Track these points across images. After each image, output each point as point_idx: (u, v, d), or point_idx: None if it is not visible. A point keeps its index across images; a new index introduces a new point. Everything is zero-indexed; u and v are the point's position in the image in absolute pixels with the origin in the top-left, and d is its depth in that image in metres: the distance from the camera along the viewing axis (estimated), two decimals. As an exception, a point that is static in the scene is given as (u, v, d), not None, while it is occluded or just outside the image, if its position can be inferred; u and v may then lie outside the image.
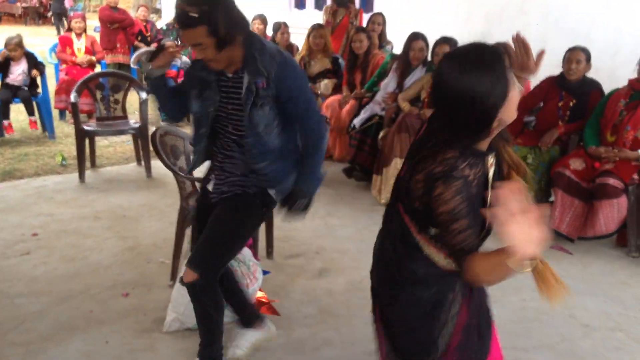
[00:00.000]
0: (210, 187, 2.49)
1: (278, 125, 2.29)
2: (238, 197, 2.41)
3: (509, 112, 1.59)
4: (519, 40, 1.85)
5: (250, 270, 3.03)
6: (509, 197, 1.31)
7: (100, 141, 6.26)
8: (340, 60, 6.34)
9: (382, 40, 6.68)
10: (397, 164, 4.69)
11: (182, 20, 2.05)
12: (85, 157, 5.31)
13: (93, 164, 5.66)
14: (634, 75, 4.16)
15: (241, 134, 2.32)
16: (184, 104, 2.44)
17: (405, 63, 5.28)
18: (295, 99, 2.27)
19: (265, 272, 3.27)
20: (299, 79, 2.30)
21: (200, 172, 2.65)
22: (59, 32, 17.42)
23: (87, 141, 5.40)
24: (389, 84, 5.39)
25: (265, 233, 3.78)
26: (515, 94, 1.57)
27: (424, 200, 1.62)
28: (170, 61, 2.38)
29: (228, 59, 2.19)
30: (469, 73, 1.51)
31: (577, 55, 4.41)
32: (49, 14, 21.38)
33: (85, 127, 5.33)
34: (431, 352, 1.81)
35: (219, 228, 2.39)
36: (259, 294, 3.14)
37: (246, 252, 3.09)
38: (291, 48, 7.00)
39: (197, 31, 2.05)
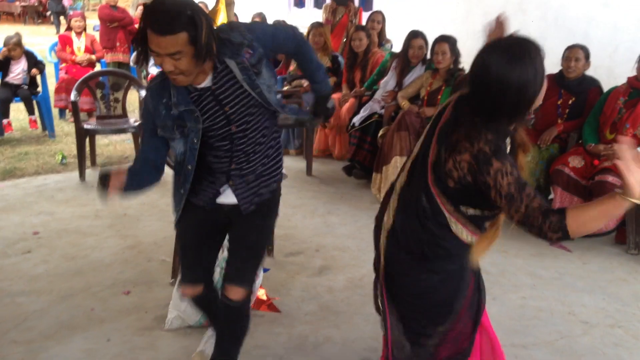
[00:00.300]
0: (226, 199, 2.23)
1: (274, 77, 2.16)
2: (266, 201, 2.29)
3: (540, 99, 1.80)
4: (499, 22, 2.16)
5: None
6: (626, 150, 1.60)
7: (100, 140, 6.27)
8: (340, 59, 6.35)
9: (382, 39, 6.69)
10: (396, 162, 4.70)
11: (162, 26, 1.81)
12: (85, 155, 5.32)
13: (93, 163, 5.67)
14: (633, 73, 4.17)
15: (251, 122, 2.11)
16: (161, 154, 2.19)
17: (404, 61, 5.29)
18: (277, 35, 2.17)
19: (264, 270, 3.29)
20: (263, 25, 2.24)
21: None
22: (57, 31, 17.43)
23: (87, 140, 5.41)
24: (388, 82, 5.40)
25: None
26: (545, 83, 1.78)
27: (464, 180, 1.77)
28: (124, 180, 2.10)
29: (198, 70, 1.95)
30: (518, 64, 1.69)
31: (575, 53, 4.42)
32: (48, 13, 21.36)
33: (86, 126, 5.34)
34: (449, 316, 2.00)
35: (257, 239, 2.32)
36: (260, 292, 3.15)
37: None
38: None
39: (178, 38, 1.81)
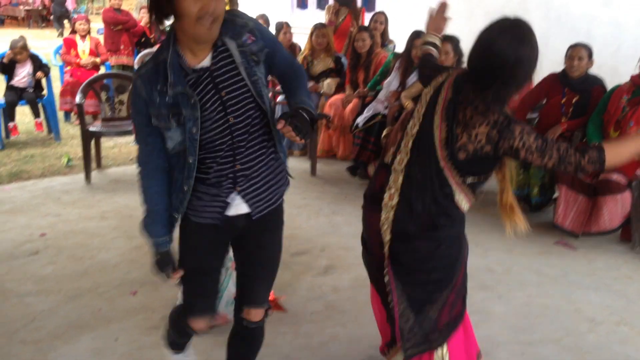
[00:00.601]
0: (236, 210, 1.98)
1: (266, 93, 1.96)
2: (275, 211, 2.08)
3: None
4: (442, 6, 2.41)
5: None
6: None
7: (105, 142, 6.29)
8: (343, 59, 6.36)
9: (385, 39, 6.70)
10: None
11: None
12: (91, 158, 5.34)
13: (99, 165, 5.70)
14: (637, 71, 4.18)
15: (249, 115, 1.91)
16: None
17: (407, 61, 5.31)
18: (279, 45, 2.01)
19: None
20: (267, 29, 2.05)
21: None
22: (59, 35, 17.49)
23: (92, 142, 5.44)
24: (391, 82, 5.42)
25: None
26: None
27: (481, 151, 1.98)
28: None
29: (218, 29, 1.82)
30: (524, 43, 1.93)
31: (579, 52, 4.43)
32: (52, 16, 21.44)
33: (91, 128, 5.37)
34: (452, 280, 2.21)
35: (275, 254, 2.16)
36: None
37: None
38: (294, 48, 7.02)
39: None
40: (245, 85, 1.86)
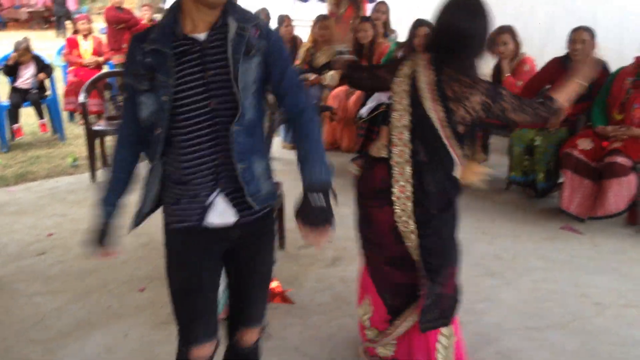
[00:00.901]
0: (218, 218, 1.76)
1: (256, 91, 1.74)
2: (265, 220, 1.87)
3: None
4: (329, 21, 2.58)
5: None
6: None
7: (110, 141, 6.31)
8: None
9: (387, 29, 6.68)
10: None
11: None
12: (96, 157, 5.36)
13: (104, 164, 5.71)
14: (640, 53, 4.15)
15: (233, 105, 1.70)
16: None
17: (410, 50, 5.29)
18: (287, 61, 1.81)
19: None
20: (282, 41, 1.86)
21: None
22: (59, 35, 17.56)
23: (97, 141, 5.45)
24: (394, 72, 5.40)
25: (277, 224, 3.81)
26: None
27: (477, 119, 2.20)
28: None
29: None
30: (479, 15, 2.18)
31: (581, 35, 4.40)
32: (54, 18, 21.48)
33: (95, 128, 5.38)
34: (460, 251, 2.43)
35: (268, 270, 1.99)
36: (274, 284, 3.18)
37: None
38: (295, 41, 7.02)
39: None
40: (228, 73, 1.67)
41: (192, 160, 1.72)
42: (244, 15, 1.73)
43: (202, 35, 1.70)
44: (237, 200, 1.76)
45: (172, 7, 1.74)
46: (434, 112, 2.18)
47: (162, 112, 1.69)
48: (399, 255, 2.32)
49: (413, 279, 2.32)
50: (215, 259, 1.86)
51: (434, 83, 2.19)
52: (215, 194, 1.74)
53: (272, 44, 1.75)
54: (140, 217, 1.90)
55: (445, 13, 2.22)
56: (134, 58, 1.72)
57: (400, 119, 2.21)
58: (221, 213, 1.75)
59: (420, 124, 2.19)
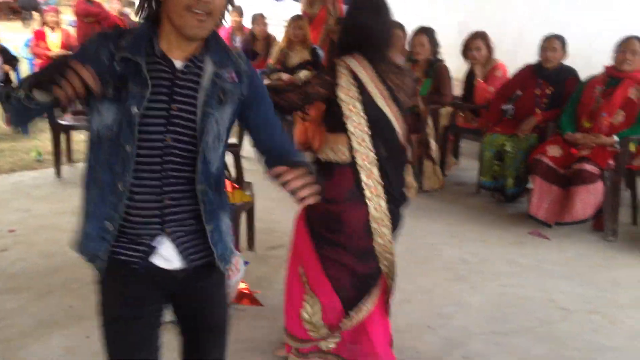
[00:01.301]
0: (165, 262, 1.57)
1: (225, 141, 1.63)
2: (215, 266, 1.66)
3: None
4: None
5: (231, 262, 3.02)
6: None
7: (76, 135, 6.18)
8: (319, 51, 6.32)
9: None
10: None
11: None
12: (61, 152, 5.25)
13: (70, 159, 5.60)
14: (611, 62, 4.22)
15: (189, 150, 1.54)
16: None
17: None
18: (270, 105, 1.71)
19: (245, 263, 3.27)
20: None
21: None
22: (26, 26, 17.20)
23: (63, 136, 5.33)
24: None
25: (247, 224, 3.77)
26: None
27: (409, 102, 2.50)
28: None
29: (212, 27, 1.54)
30: (381, 12, 2.36)
31: (552, 43, 4.47)
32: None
33: (61, 122, 5.25)
34: None
35: (224, 313, 1.79)
36: (241, 285, 3.14)
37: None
38: (269, 39, 6.97)
39: None
40: (194, 113, 1.53)
41: (140, 202, 1.52)
42: (222, 57, 1.57)
43: (177, 63, 1.53)
44: (185, 245, 1.57)
45: (149, 20, 1.54)
46: (388, 109, 2.33)
47: (131, 125, 1.47)
48: (365, 249, 2.41)
49: (372, 268, 2.45)
50: (156, 296, 1.63)
51: (377, 80, 2.32)
52: (159, 238, 1.54)
53: (253, 89, 1.64)
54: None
55: (351, 14, 2.45)
56: (98, 57, 1.48)
57: (358, 125, 2.29)
58: (167, 259, 1.57)
59: (377, 124, 2.32)
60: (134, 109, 1.47)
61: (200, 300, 1.70)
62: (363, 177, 2.32)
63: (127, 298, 1.61)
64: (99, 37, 1.54)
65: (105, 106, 1.49)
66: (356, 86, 2.30)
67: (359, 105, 2.29)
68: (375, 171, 2.32)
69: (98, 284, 1.67)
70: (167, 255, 1.56)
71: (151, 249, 1.55)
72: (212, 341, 1.76)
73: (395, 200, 2.41)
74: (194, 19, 1.46)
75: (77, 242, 1.64)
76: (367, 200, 2.33)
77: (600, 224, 4.18)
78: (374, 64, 2.33)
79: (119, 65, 1.48)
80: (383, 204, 2.35)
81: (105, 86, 1.46)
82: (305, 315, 2.54)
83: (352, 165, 2.33)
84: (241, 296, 3.13)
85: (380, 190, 2.34)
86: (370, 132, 2.30)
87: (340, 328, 2.50)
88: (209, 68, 1.55)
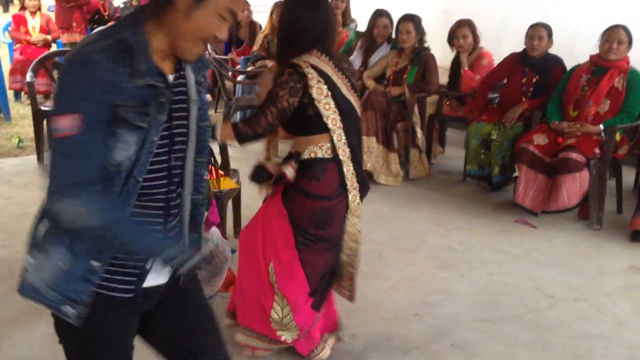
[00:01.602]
0: (156, 279, 1.48)
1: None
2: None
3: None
4: None
5: (219, 249, 2.98)
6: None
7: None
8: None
9: (346, 19, 6.62)
10: (364, 141, 4.68)
11: None
12: (43, 138, 5.15)
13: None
14: (595, 51, 4.23)
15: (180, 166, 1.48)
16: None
17: (369, 40, 5.27)
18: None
19: (233, 251, 3.24)
20: None
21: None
22: (5, 11, 16.91)
23: (44, 122, 5.24)
24: (353, 61, 5.35)
25: (233, 212, 3.74)
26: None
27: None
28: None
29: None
30: (317, 8, 2.32)
31: (538, 32, 4.46)
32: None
33: (43, 108, 5.16)
34: None
35: (211, 310, 1.70)
36: (227, 272, 3.11)
37: (214, 231, 3.04)
38: (254, 26, 6.91)
39: None
40: (187, 127, 1.45)
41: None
42: (196, 62, 1.46)
43: (170, 76, 1.41)
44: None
45: (133, 24, 1.34)
46: (353, 97, 2.39)
47: (147, 155, 1.34)
48: (338, 239, 2.49)
49: (335, 258, 2.51)
50: (136, 324, 1.55)
51: (337, 71, 2.33)
52: (153, 259, 1.43)
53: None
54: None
55: (287, 7, 2.40)
56: (119, 85, 1.27)
57: (334, 121, 2.32)
58: (155, 276, 1.47)
59: (347, 115, 2.35)
60: (154, 137, 1.35)
61: (187, 301, 1.61)
62: (344, 170, 2.38)
63: (116, 342, 1.50)
64: (107, 58, 1.27)
65: (128, 136, 1.31)
66: (324, 82, 2.29)
67: (331, 102, 2.30)
68: (351, 164, 2.39)
69: (68, 333, 1.48)
70: (155, 273, 1.46)
71: (144, 272, 1.43)
72: (222, 344, 1.66)
73: (364, 188, 2.48)
74: (203, 47, 1.38)
75: (40, 282, 1.46)
76: (348, 194, 2.41)
77: (586, 212, 4.20)
78: (330, 55, 2.34)
79: (142, 90, 1.31)
80: (357, 194, 2.44)
81: (133, 114, 1.30)
82: (277, 317, 2.49)
83: (336, 160, 2.37)
84: (228, 284, 3.10)
85: (354, 181, 2.42)
86: (342, 125, 2.34)
87: (314, 324, 2.53)
88: (190, 76, 1.46)
